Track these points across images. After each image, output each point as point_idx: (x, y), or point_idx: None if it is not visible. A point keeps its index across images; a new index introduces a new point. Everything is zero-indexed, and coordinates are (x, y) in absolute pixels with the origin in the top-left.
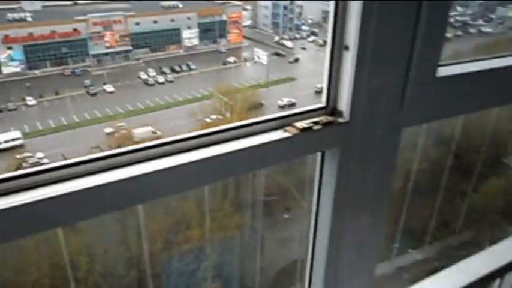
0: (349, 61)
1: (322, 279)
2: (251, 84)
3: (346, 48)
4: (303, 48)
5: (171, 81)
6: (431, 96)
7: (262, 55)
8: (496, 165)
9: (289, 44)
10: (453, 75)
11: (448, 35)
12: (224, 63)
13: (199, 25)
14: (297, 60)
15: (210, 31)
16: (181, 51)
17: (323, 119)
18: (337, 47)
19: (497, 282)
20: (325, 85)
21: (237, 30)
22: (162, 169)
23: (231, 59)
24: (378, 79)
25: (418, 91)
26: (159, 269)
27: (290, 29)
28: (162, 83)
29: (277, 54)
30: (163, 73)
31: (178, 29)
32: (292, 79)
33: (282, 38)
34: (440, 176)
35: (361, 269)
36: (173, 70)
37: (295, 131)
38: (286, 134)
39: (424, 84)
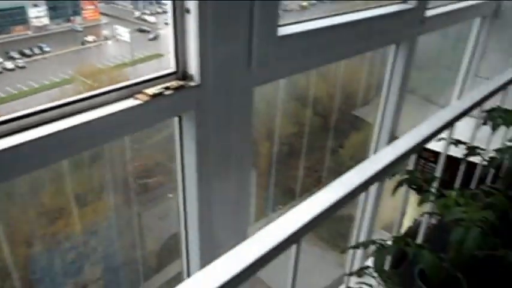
0: (192, 24)
1: (198, 246)
2: (116, 64)
3: (188, 11)
4: (167, 23)
5: (23, 67)
6: (275, 56)
7: (124, 32)
8: (354, 120)
9: (151, 19)
10: (293, 33)
11: (304, 3)
12: (82, 43)
13: (48, 2)
14: (158, 36)
15: (61, 8)
16: (30, 33)
17: (174, 83)
18: (179, 11)
19: (363, 195)
20: (172, 50)
21: (92, 6)
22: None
23: (90, 38)
24: (222, 41)
25: (262, 51)
26: (36, 270)
27: (150, 3)
28: (12, 70)
29: (141, 31)
30: (11, 58)
31: (23, 8)
32: (159, 55)
33: (143, 13)
34: (309, 136)
35: (235, 229)
36: (23, 54)
37: (146, 98)
38: (137, 102)
39: (267, 44)
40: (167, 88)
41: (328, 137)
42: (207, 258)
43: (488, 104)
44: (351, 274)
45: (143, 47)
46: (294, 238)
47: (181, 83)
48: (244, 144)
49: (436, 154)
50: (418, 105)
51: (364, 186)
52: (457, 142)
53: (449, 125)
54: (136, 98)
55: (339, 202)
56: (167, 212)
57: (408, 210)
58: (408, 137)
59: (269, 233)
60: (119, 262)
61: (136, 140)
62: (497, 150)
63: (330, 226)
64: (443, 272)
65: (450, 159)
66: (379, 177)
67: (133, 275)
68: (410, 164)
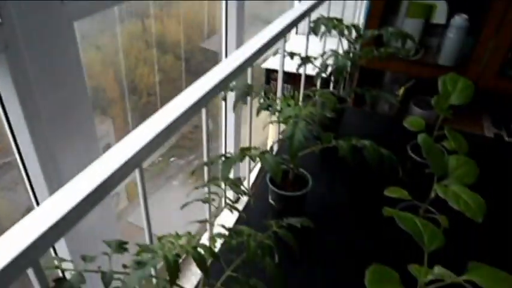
0: None
1: None
2: None
3: None
4: None
5: None
6: None
7: None
8: (216, 58)
9: None
10: None
11: None
12: None
13: None
14: None
15: None
16: None
17: None
18: None
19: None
20: None
21: None
22: None
23: None
24: None
25: None
26: None
27: None
28: None
29: None
30: None
31: None
32: None
33: None
34: (175, 82)
35: None
36: None
37: None
38: None
39: None
40: None
41: (193, 80)
42: None
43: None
44: (197, 188)
45: None
46: (135, 161)
47: None
48: (78, 85)
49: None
50: None
51: (202, 102)
52: (291, 54)
53: (281, 35)
54: None
55: (179, 119)
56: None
57: (270, 133)
58: (242, 50)
59: (108, 160)
60: None
61: None
62: (323, 55)
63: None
64: (292, 173)
65: (295, 75)
66: (215, 91)
67: None
68: (249, 79)
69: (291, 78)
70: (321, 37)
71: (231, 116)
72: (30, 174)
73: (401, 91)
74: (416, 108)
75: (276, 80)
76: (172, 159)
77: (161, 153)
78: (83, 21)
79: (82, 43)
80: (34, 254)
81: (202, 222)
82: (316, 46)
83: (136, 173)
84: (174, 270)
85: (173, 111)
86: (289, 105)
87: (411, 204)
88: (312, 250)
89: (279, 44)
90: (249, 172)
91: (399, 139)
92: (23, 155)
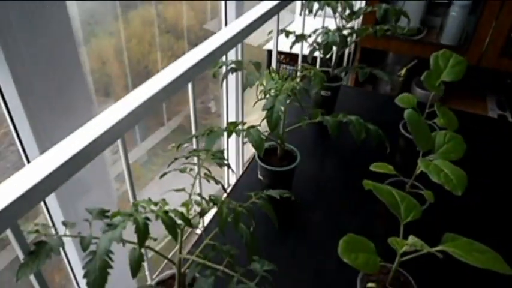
0: None
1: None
2: None
3: None
4: None
5: None
6: None
7: None
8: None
9: None
10: None
11: None
12: None
13: None
14: None
15: None
16: None
17: None
18: None
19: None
20: None
21: None
22: None
23: None
24: None
25: None
26: None
27: None
28: None
29: None
30: None
31: None
32: None
33: None
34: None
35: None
36: None
37: None
38: None
39: None
40: None
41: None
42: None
43: None
44: (176, 159)
45: None
46: (115, 132)
47: None
48: (73, 66)
49: (285, 55)
50: None
51: (187, 77)
52: (286, 32)
53: (272, 12)
54: None
55: (160, 94)
56: None
57: None
58: (233, 26)
59: (87, 130)
60: None
61: None
62: (314, 32)
63: None
64: (280, 148)
65: (295, 56)
66: (201, 66)
67: None
68: (239, 55)
69: (293, 60)
70: (315, 15)
71: (233, 97)
72: (28, 156)
73: (403, 71)
74: (418, 88)
75: (279, 61)
76: (186, 145)
77: (163, 138)
78: (96, 8)
79: (96, 29)
80: (11, 215)
81: (180, 191)
82: (317, 26)
83: (119, 143)
84: (143, 232)
85: (156, 85)
86: (273, 80)
87: (399, 180)
88: (298, 225)
89: (273, 21)
90: (243, 149)
91: (394, 117)
92: (21, 138)
